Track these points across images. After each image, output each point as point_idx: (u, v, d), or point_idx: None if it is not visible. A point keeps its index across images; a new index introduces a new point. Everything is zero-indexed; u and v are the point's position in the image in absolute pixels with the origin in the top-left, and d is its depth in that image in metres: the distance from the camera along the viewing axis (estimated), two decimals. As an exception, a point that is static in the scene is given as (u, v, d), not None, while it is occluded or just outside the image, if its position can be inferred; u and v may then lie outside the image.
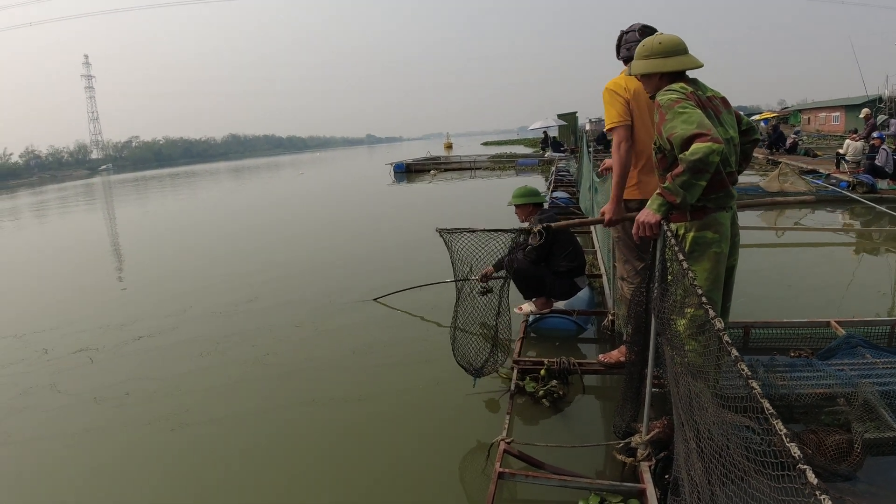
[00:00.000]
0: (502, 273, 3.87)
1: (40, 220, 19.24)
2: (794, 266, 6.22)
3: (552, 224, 2.90)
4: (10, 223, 18.69)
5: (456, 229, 3.05)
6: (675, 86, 2.36)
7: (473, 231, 3.03)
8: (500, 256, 3.26)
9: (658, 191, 2.29)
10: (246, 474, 2.93)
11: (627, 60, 3.14)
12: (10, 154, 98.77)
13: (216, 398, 3.84)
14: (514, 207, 4.60)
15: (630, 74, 2.72)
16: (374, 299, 5.71)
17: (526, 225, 4.24)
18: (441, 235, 3.12)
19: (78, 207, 23.20)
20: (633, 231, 2.33)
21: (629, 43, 3.10)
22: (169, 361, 4.53)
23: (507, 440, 2.70)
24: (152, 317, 5.73)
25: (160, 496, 2.81)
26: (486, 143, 62.34)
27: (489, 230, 3.03)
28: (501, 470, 2.50)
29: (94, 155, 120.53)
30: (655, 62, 2.45)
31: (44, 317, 6.16)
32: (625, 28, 3.22)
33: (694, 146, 2.12)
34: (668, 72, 2.45)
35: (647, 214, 2.28)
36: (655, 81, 2.48)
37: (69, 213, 20.49)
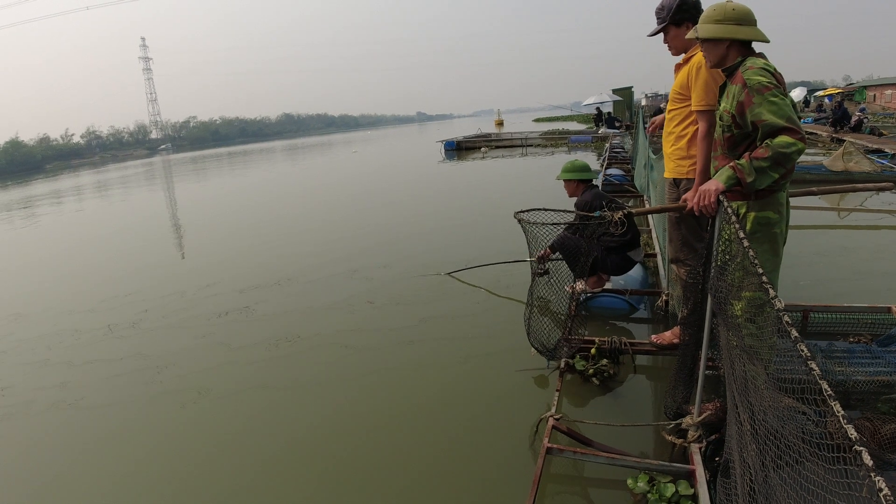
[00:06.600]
0: (558, 255, 3.85)
1: (123, 197, 20.18)
2: (856, 249, 5.92)
3: (633, 210, 2.80)
4: (74, 203, 19.71)
5: (532, 210, 2.96)
6: (763, 64, 2.26)
7: (551, 223, 2.96)
8: (555, 238, 3.23)
9: (731, 164, 2.23)
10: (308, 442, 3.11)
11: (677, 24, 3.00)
12: (72, 134, 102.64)
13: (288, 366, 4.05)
14: (563, 181, 4.53)
15: (693, 38, 2.57)
16: (448, 273, 5.86)
17: (588, 209, 4.17)
18: (519, 221, 3.03)
19: (184, 181, 24.28)
20: (694, 200, 2.27)
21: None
22: (246, 327, 4.81)
23: (555, 416, 2.74)
24: (232, 289, 6.08)
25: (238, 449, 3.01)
26: (537, 120, 61.30)
27: (564, 222, 2.97)
28: (549, 445, 2.54)
29: (154, 135, 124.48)
30: (729, 28, 2.36)
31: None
32: None
33: (783, 138, 2.11)
34: (738, 40, 2.36)
35: (712, 183, 2.23)
36: (723, 49, 2.39)
37: (165, 189, 21.40)
